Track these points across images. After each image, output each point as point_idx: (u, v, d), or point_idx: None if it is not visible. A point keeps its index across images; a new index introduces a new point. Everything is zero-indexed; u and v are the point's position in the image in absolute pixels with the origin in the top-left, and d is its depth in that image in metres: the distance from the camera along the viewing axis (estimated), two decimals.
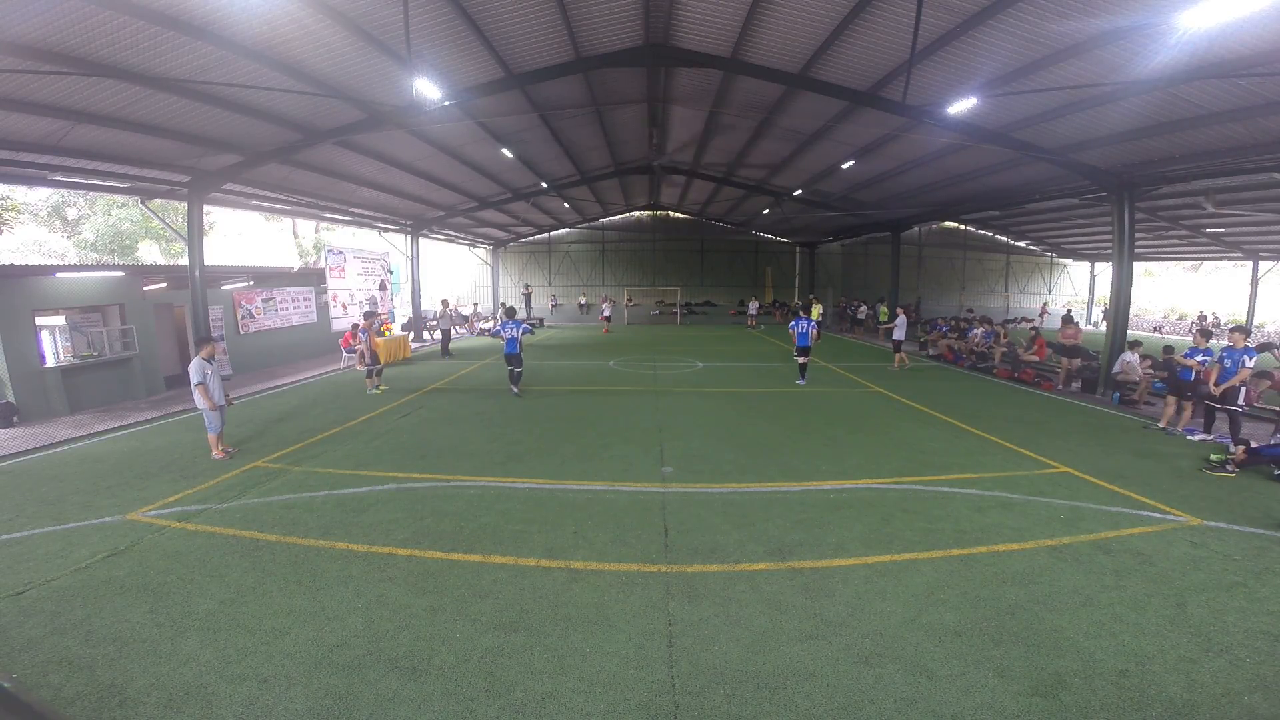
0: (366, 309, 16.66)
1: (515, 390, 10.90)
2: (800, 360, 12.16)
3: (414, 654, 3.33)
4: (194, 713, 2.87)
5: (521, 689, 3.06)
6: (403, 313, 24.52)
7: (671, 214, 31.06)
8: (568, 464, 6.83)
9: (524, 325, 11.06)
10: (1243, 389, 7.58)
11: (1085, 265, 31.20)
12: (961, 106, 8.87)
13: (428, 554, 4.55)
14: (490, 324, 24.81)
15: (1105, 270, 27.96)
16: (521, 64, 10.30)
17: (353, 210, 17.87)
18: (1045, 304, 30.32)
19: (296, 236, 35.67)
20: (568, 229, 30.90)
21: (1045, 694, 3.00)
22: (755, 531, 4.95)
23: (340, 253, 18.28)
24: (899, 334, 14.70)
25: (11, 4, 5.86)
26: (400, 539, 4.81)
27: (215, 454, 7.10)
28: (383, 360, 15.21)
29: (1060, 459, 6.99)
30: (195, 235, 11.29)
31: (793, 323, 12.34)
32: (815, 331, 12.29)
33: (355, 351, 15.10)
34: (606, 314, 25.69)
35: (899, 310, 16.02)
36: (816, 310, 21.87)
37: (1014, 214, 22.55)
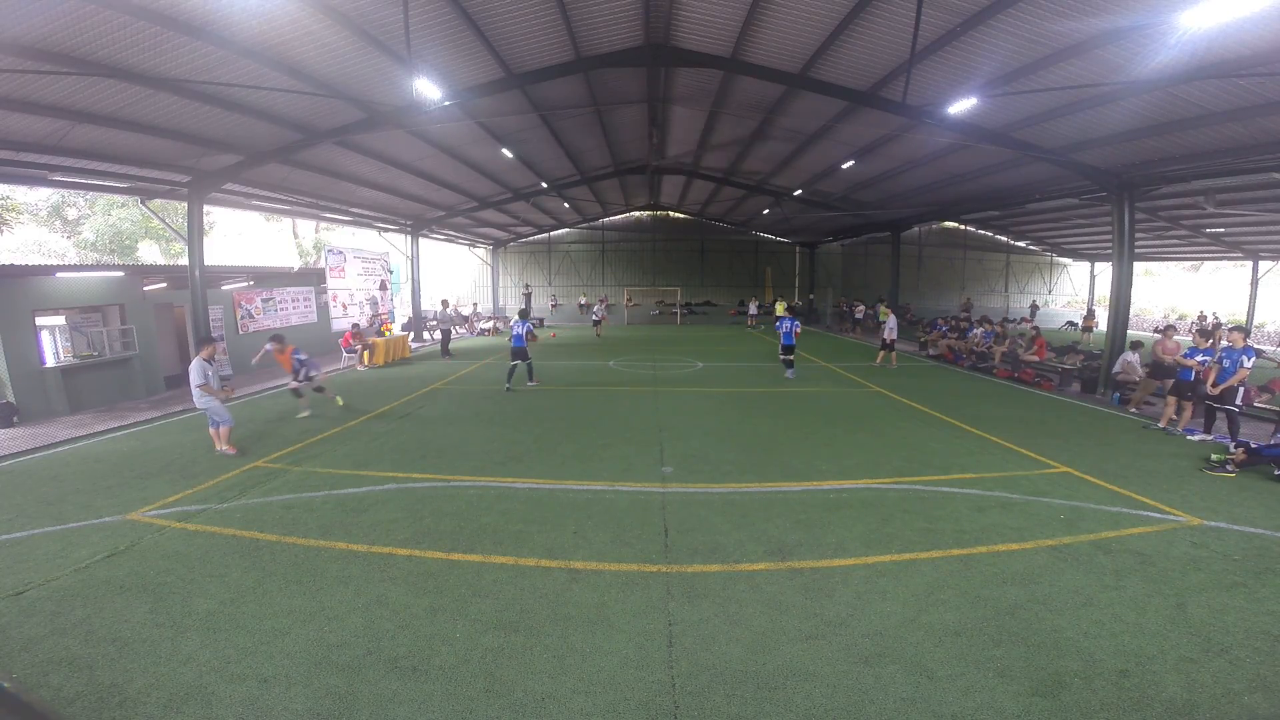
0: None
1: (531, 383, 11.82)
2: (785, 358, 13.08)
3: (414, 654, 3.33)
4: (194, 713, 2.87)
5: (521, 689, 3.06)
6: (403, 312, 24.55)
7: (671, 214, 31.02)
8: (568, 464, 6.83)
9: (526, 323, 12.19)
10: (1241, 389, 7.59)
11: (1085, 265, 31.20)
12: (961, 106, 8.87)
13: (428, 554, 4.55)
14: (490, 323, 24.95)
15: (1105, 270, 27.95)
16: (521, 64, 10.30)
17: (353, 210, 17.87)
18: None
19: (296, 236, 35.68)
20: (568, 229, 30.87)
21: (1045, 694, 3.00)
22: (755, 531, 4.95)
23: (340, 253, 18.29)
24: (890, 334, 14.94)
25: (11, 4, 5.86)
26: (400, 539, 4.81)
27: (225, 448, 7.06)
28: (381, 361, 15.26)
29: (1060, 459, 6.99)
30: (195, 235, 11.28)
31: (777, 323, 13.29)
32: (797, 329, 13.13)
33: (355, 351, 15.14)
34: (596, 316, 23.40)
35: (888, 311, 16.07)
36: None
37: (1014, 214, 22.54)
